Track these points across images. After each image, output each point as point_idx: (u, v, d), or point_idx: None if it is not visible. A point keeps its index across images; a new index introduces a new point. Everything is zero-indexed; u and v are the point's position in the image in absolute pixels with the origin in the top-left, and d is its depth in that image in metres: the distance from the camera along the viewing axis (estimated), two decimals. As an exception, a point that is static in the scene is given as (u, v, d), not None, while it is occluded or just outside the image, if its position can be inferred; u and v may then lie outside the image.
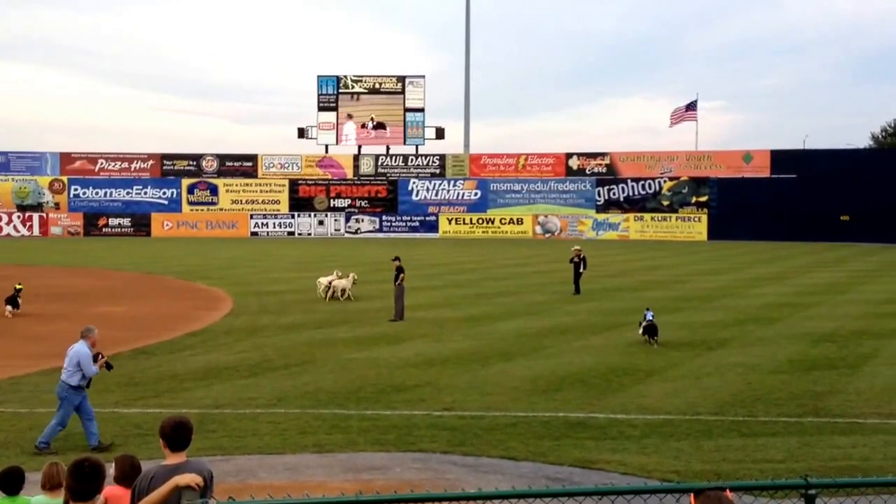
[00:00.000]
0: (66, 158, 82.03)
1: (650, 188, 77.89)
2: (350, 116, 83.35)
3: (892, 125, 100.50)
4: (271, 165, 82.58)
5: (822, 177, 72.45)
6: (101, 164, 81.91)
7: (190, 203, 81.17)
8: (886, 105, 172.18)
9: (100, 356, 14.06)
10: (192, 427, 6.45)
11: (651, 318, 22.87)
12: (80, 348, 13.84)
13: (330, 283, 32.83)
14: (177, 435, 6.30)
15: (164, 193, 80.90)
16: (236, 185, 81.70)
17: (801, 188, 73.05)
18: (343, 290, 32.66)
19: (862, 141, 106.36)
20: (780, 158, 76.32)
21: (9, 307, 28.99)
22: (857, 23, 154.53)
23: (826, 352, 21.78)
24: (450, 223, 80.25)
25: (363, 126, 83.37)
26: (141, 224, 79.82)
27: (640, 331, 22.97)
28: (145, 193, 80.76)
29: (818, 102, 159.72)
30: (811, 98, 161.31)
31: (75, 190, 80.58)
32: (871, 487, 5.96)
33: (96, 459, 6.21)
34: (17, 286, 29.72)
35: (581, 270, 34.31)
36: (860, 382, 18.27)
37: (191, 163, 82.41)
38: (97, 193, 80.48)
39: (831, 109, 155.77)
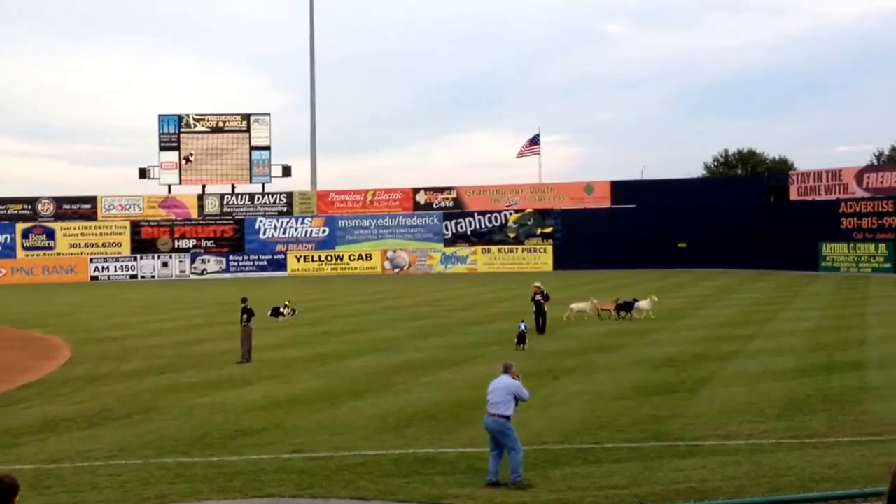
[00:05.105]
0: None
1: (496, 221, 79.21)
2: (192, 156, 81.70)
3: (723, 155, 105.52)
4: (111, 207, 79.98)
5: (660, 205, 75.26)
6: (-73, 209, 77.56)
7: (25, 248, 77.60)
8: (717, 136, 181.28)
9: None
10: (16, 486, 6.11)
11: (524, 328, 27.84)
12: (508, 380, 14.16)
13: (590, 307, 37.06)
14: None
15: (-3, 239, 77.11)
16: (74, 229, 78.65)
17: (640, 217, 75.67)
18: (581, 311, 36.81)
19: (696, 170, 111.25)
20: (620, 189, 78.95)
21: (271, 316, 37.13)
22: (687, 59, 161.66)
23: (667, 377, 22.50)
24: (298, 261, 79.43)
25: (189, 161, 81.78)
26: (-29, 272, 75.72)
27: (516, 339, 27.42)
28: (-25, 240, 76.76)
29: (654, 135, 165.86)
30: (647, 131, 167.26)
31: None
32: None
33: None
34: (287, 303, 38.59)
35: (545, 309, 32.84)
36: (699, 405, 18.94)
37: (25, 206, 78.89)
38: (-78, 241, 76.04)
39: (666, 141, 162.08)
